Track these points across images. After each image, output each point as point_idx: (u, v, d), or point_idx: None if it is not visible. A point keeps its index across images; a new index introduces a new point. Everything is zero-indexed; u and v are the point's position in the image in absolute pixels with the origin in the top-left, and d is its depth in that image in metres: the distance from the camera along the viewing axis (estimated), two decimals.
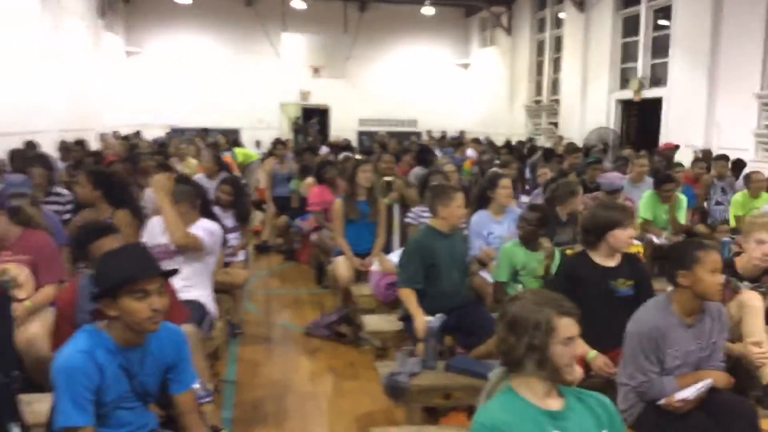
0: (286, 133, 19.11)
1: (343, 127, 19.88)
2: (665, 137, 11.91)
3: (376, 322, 4.14)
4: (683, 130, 11.19)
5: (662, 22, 12.54)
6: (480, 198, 5.17)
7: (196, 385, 2.30)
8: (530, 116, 17.54)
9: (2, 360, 2.58)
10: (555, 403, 1.86)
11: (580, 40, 14.83)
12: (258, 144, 17.48)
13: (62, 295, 2.79)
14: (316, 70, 19.75)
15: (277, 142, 10.26)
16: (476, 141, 13.26)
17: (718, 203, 7.20)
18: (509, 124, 18.11)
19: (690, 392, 2.50)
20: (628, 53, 13.67)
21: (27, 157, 6.48)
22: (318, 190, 6.33)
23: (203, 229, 3.85)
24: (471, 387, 3.17)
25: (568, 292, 2.17)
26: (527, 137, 16.26)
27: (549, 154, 9.18)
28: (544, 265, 3.90)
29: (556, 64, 16.48)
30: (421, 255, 3.77)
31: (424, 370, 3.25)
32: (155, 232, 3.82)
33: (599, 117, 14.06)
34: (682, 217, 6.10)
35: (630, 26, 13.53)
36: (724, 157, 7.78)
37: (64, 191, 5.16)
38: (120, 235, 2.72)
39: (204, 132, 13.16)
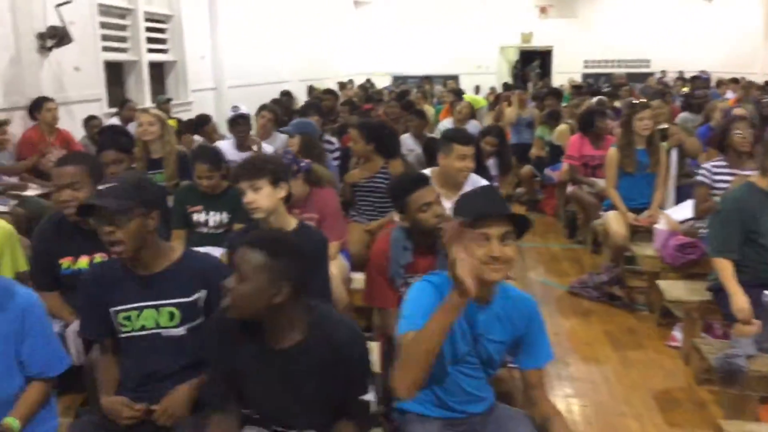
0: (504, 78, 18.51)
1: (565, 69, 18.75)
2: None
3: (678, 290, 3.66)
4: None
5: None
6: None
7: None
8: None
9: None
10: None
11: None
12: (477, 89, 17.14)
13: (376, 245, 2.73)
14: (543, 10, 18.76)
15: (511, 87, 9.81)
16: (734, 81, 11.66)
17: None
18: (764, 62, 15.80)
19: None
20: None
21: (286, 107, 6.72)
22: (577, 141, 5.83)
23: None
24: None
25: None
26: None
27: None
28: None
29: None
30: (740, 218, 3.22)
31: (760, 353, 2.76)
32: None
33: None
34: None
35: None
36: None
37: (333, 139, 5.27)
38: (434, 186, 2.59)
39: (428, 79, 13.07)
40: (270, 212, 2.60)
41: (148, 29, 7.91)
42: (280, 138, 5.60)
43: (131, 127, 6.73)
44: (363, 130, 4.34)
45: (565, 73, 18.20)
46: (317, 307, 1.92)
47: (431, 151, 5.09)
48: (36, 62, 5.85)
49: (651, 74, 18.09)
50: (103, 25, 7.00)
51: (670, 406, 3.31)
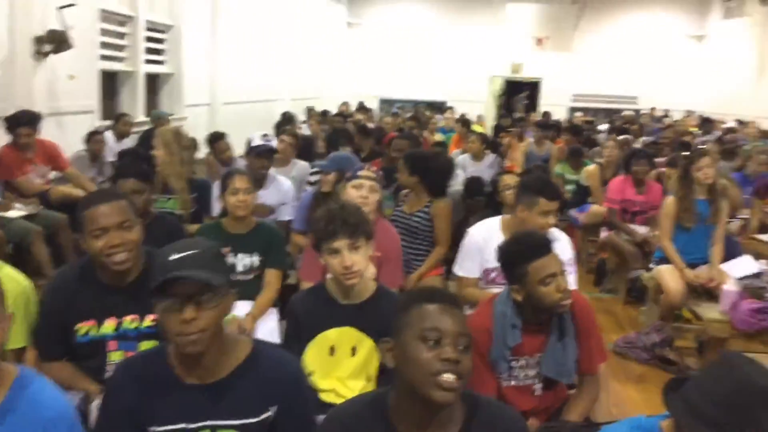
0: (492, 108, 18.35)
1: (553, 102, 18.59)
2: None
3: None
4: None
5: None
6: None
7: None
8: None
9: None
10: None
11: None
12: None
13: (474, 321, 2.24)
14: (539, 42, 18.63)
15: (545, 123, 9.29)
16: (739, 122, 11.49)
17: None
18: (754, 105, 15.81)
19: None
20: None
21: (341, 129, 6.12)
22: (620, 184, 5.45)
23: None
24: None
25: None
26: None
27: None
28: None
29: None
30: None
31: None
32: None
33: None
34: None
35: None
36: None
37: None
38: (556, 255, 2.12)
39: (430, 106, 12.69)
40: None
41: (147, 39, 7.37)
42: (299, 166, 5.12)
43: (127, 143, 6.23)
44: (407, 161, 3.92)
45: (552, 105, 18.04)
46: (471, 394, 1.56)
47: (473, 190, 4.69)
48: (30, 68, 5.27)
49: (637, 111, 18.05)
50: (103, 32, 6.45)
51: None
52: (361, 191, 3.11)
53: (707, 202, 4.35)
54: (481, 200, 4.73)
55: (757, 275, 4.17)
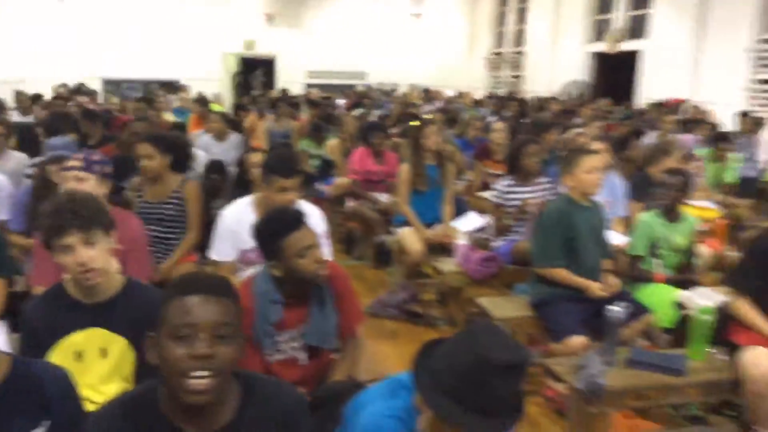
0: (227, 86, 18.05)
1: (290, 79, 18.87)
2: (643, 91, 11.90)
3: (502, 307, 3.66)
4: (666, 84, 11.11)
5: None
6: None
7: None
8: (490, 69, 17.23)
9: None
10: None
11: None
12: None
13: None
14: (269, 17, 18.54)
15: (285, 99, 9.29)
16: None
17: None
18: (467, 77, 17.72)
19: None
20: (604, 4, 13.50)
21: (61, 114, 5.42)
22: (360, 155, 5.72)
23: None
24: (665, 386, 2.82)
25: None
26: (490, 90, 15.98)
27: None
28: (689, 238, 3.56)
29: (521, 14, 16.17)
30: (560, 228, 3.36)
31: (606, 367, 2.86)
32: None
33: (571, 70, 13.86)
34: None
35: None
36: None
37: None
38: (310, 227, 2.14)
39: (169, 86, 11.97)
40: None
41: None
42: (15, 158, 4.53)
43: None
44: (156, 142, 3.66)
45: (289, 83, 18.29)
46: (246, 374, 1.52)
47: (212, 171, 4.56)
48: None
49: (367, 86, 19.10)
50: None
51: None
52: (68, 184, 2.81)
53: (436, 167, 4.77)
54: (217, 179, 4.62)
55: (481, 229, 4.73)
